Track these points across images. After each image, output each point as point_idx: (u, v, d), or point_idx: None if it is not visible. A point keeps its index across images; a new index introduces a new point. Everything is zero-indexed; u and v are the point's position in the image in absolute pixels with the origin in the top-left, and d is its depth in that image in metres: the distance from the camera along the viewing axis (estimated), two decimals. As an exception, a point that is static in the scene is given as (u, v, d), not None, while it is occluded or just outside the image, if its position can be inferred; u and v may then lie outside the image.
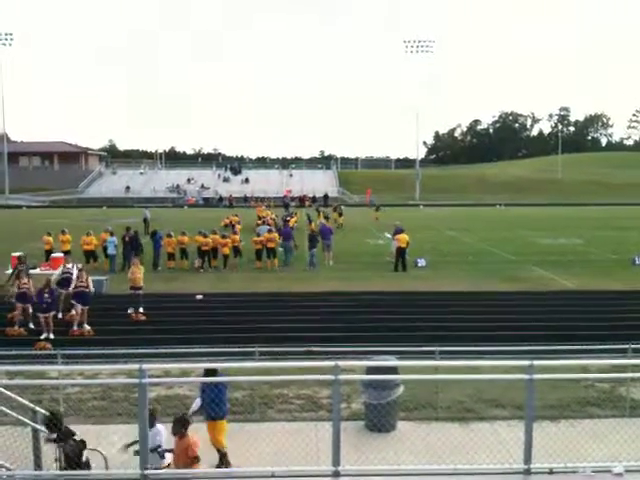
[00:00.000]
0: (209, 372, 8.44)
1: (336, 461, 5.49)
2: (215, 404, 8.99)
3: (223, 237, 26.71)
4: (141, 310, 17.72)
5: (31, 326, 16.34)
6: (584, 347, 10.83)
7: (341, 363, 5.47)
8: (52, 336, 15.45)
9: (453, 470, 5.70)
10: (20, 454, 7.90)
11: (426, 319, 17.09)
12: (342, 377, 5.56)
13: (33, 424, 7.83)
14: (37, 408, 7.96)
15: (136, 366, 5.42)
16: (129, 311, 17.77)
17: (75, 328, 16.17)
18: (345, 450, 5.58)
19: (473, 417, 10.50)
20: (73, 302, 16.58)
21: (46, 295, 15.92)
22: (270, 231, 28.03)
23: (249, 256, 27.05)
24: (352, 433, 9.63)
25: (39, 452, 7.89)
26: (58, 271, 19.06)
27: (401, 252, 25.44)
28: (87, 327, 16.23)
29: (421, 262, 26.40)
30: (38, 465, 7.87)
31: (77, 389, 11.54)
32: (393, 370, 9.37)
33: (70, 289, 17.33)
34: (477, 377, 7.13)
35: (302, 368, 6.52)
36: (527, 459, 5.67)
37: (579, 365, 8.52)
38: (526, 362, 5.55)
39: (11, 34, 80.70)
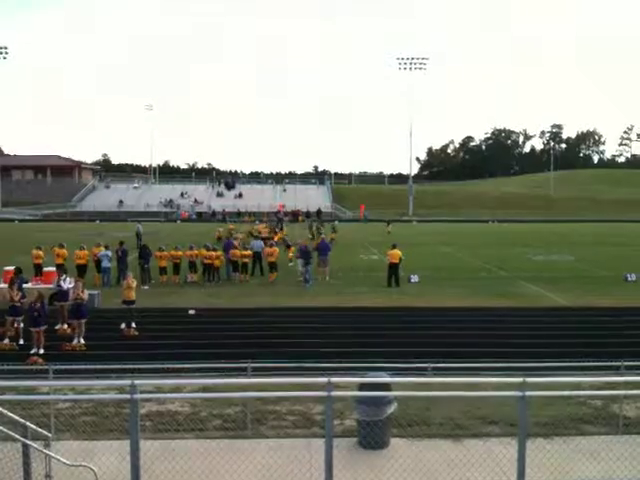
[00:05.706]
0: None
1: (329, 479, 5.47)
2: None
3: (214, 250, 26.89)
4: (133, 325, 17.62)
5: (21, 342, 16.19)
6: (576, 364, 10.85)
7: (334, 379, 5.47)
8: (42, 351, 15.31)
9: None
10: (9, 470, 7.81)
11: (419, 335, 17.08)
12: (335, 394, 5.55)
13: (23, 439, 7.75)
14: (28, 423, 7.88)
15: (128, 382, 5.40)
16: (122, 326, 17.66)
17: (75, 342, 16.09)
18: (338, 467, 5.57)
19: (466, 434, 10.46)
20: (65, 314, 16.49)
21: (36, 308, 15.70)
22: (272, 245, 28.05)
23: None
24: (345, 450, 9.57)
25: (29, 468, 7.81)
26: (53, 285, 19.14)
27: (394, 268, 25.48)
28: (82, 341, 16.14)
29: (414, 278, 26.44)
30: (28, 482, 7.78)
31: (68, 404, 11.42)
32: (386, 387, 9.34)
33: (66, 303, 17.39)
34: (470, 394, 7.12)
35: (295, 384, 6.52)
36: (520, 476, 5.67)
37: (572, 382, 8.52)
38: (519, 379, 5.56)
39: (6, 47, 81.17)
